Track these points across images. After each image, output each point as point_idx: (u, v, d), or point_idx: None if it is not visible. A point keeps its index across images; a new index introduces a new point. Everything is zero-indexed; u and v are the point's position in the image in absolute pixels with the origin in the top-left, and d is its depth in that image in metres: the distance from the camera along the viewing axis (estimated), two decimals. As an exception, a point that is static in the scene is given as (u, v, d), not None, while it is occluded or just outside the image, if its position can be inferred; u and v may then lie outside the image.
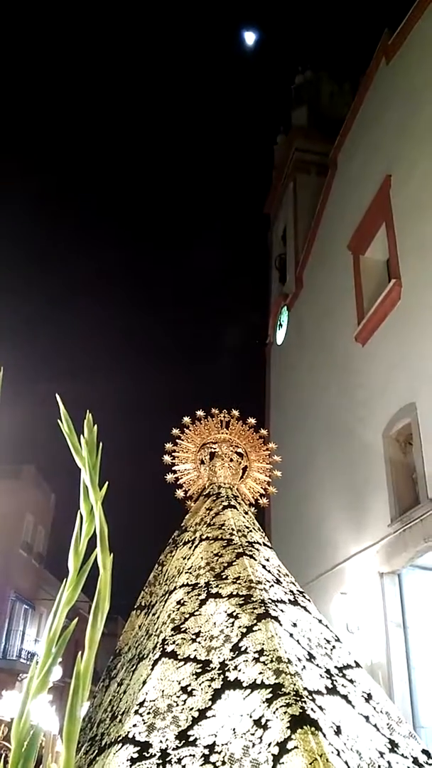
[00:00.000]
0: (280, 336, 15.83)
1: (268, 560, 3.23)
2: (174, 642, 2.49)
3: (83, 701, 0.80)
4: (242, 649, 2.38)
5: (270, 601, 2.70)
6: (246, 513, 3.76)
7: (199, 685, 2.25)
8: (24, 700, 0.80)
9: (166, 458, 4.26)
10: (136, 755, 1.96)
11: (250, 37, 23.06)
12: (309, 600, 3.11)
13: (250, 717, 2.03)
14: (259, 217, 19.93)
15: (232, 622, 2.56)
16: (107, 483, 0.97)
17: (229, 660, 2.35)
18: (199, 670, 2.33)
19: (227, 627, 2.54)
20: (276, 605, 2.71)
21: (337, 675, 2.50)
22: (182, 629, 2.58)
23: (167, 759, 1.94)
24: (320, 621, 2.94)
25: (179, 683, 2.27)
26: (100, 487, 0.93)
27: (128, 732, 2.05)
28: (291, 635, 2.53)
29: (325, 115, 17.25)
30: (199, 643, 2.49)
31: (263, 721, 1.98)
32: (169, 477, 4.27)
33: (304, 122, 17.20)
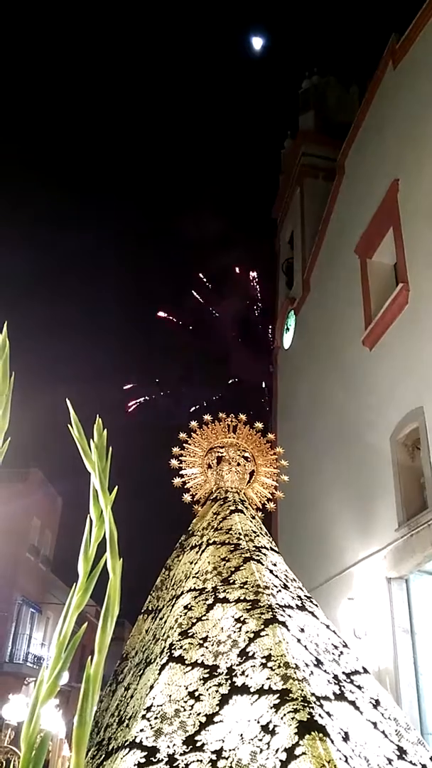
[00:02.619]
0: (287, 340, 15.82)
1: (275, 565, 3.22)
2: (181, 647, 2.49)
3: (93, 706, 0.80)
4: (250, 654, 2.37)
5: (277, 606, 2.69)
6: (253, 517, 3.76)
7: (207, 690, 2.25)
8: (34, 704, 0.80)
9: (174, 462, 4.26)
10: (143, 760, 1.95)
11: (257, 42, 23.13)
12: (316, 605, 3.10)
13: (258, 722, 2.03)
14: (267, 222, 19.97)
15: (240, 627, 2.55)
16: (116, 487, 0.97)
17: (237, 665, 2.34)
18: (207, 675, 2.32)
19: (235, 632, 2.54)
20: (283, 610, 2.70)
21: (344, 681, 2.49)
22: (189, 634, 2.58)
23: (174, 764, 1.94)
24: (328, 626, 2.93)
25: (186, 688, 2.27)
26: (109, 492, 0.93)
27: (135, 737, 2.05)
28: (298, 640, 2.53)
29: (332, 120, 17.27)
30: (207, 648, 2.48)
31: (271, 726, 1.98)
32: (177, 481, 4.27)
33: (312, 127, 17.21)
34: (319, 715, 1.99)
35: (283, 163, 18.92)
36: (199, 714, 2.14)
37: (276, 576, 3.08)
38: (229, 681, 2.27)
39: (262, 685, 2.18)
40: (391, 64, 10.81)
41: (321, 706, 2.09)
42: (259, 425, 4.40)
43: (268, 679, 2.20)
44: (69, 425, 0.99)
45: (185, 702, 2.20)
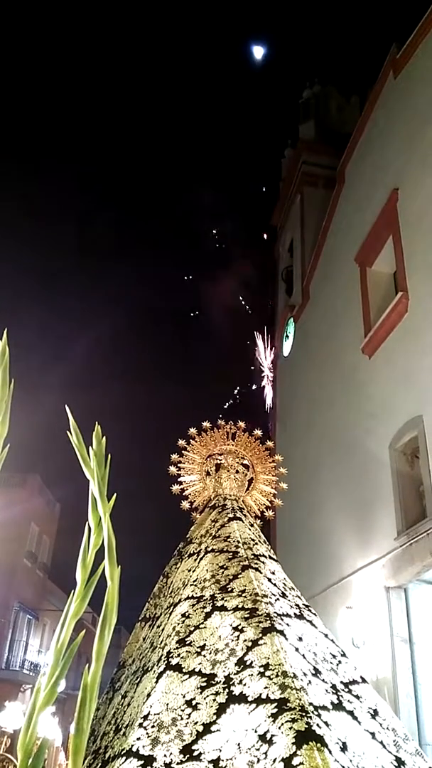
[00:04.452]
0: (287, 348, 15.84)
1: (273, 573, 3.21)
2: (179, 655, 2.48)
3: (91, 714, 0.80)
4: (247, 663, 2.36)
5: (275, 614, 2.68)
6: (251, 525, 3.75)
7: (204, 698, 2.24)
8: (31, 711, 0.80)
9: (172, 469, 4.25)
10: (139, 769, 1.94)
11: (258, 52, 23.28)
12: (315, 614, 3.09)
13: (255, 732, 2.01)
14: (267, 230, 20.03)
15: (238, 636, 2.54)
16: (115, 495, 0.97)
17: (234, 674, 2.33)
18: (204, 684, 2.31)
19: (232, 640, 2.53)
20: (282, 619, 2.69)
21: (343, 690, 2.48)
22: (187, 642, 2.57)
23: (171, 773, 1.92)
24: (326, 635, 2.92)
25: (184, 697, 2.26)
26: (108, 499, 0.93)
27: (132, 745, 2.03)
28: (296, 649, 2.51)
29: (332, 129, 17.36)
30: (204, 656, 2.47)
31: (268, 736, 1.97)
32: (175, 488, 4.27)
33: (312, 136, 17.31)
34: (317, 724, 1.98)
35: (283, 172, 19.01)
36: (196, 723, 2.13)
37: (274, 584, 3.07)
38: (227, 690, 2.26)
39: (260, 694, 2.17)
40: (391, 74, 10.87)
41: (319, 715, 2.08)
42: (258, 432, 4.40)
43: (265, 688, 2.19)
44: (68, 432, 0.99)
45: (182, 711, 2.19)
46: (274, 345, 17.41)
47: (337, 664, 2.69)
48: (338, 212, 13.17)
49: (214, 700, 2.22)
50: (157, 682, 2.36)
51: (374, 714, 2.46)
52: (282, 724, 1.97)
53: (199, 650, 2.51)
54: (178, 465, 4.28)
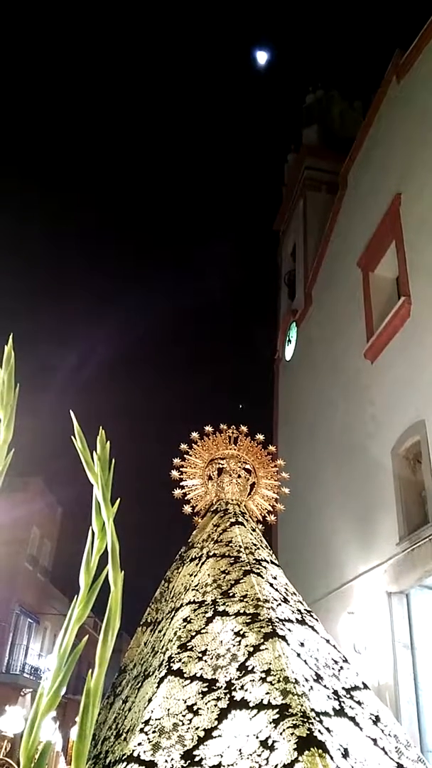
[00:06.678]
0: (289, 352, 15.84)
1: (275, 578, 3.21)
2: (180, 660, 2.48)
3: (93, 719, 0.79)
4: (249, 668, 2.35)
5: (277, 620, 2.68)
6: (253, 530, 3.75)
7: (205, 704, 2.23)
8: (33, 716, 0.80)
9: (174, 473, 4.25)
10: (141, 775, 1.93)
11: (262, 57, 23.38)
12: (316, 619, 3.08)
13: (257, 738, 2.01)
14: (269, 234, 20.06)
15: (239, 641, 2.54)
16: (119, 499, 0.97)
17: (236, 679, 2.32)
18: (206, 689, 2.31)
19: (234, 646, 2.52)
20: (283, 624, 2.68)
21: (344, 696, 2.47)
22: (188, 647, 2.56)
23: (172, 779, 1.92)
24: (328, 641, 2.91)
25: (185, 702, 2.25)
26: (111, 504, 0.93)
27: (133, 750, 2.03)
28: (298, 655, 2.51)
29: (335, 134, 17.41)
30: (206, 661, 2.47)
31: (270, 742, 1.96)
32: (177, 492, 4.26)
33: (315, 140, 17.35)
34: (319, 731, 1.97)
35: (286, 177, 19.05)
36: (197, 728, 2.12)
37: (276, 589, 3.06)
38: (228, 695, 2.25)
39: (262, 699, 2.17)
40: (395, 78, 10.90)
41: (320, 721, 2.08)
42: (260, 437, 4.40)
43: (267, 693, 2.18)
44: (72, 436, 0.99)
45: (183, 716, 2.18)
46: (276, 348, 17.41)
47: (339, 670, 2.69)
48: (341, 217, 13.19)
49: (216, 705, 2.22)
50: (158, 687, 2.35)
51: (376, 720, 2.45)
52: (283, 730, 1.97)
53: (200, 655, 2.51)
54: (180, 469, 4.27)
